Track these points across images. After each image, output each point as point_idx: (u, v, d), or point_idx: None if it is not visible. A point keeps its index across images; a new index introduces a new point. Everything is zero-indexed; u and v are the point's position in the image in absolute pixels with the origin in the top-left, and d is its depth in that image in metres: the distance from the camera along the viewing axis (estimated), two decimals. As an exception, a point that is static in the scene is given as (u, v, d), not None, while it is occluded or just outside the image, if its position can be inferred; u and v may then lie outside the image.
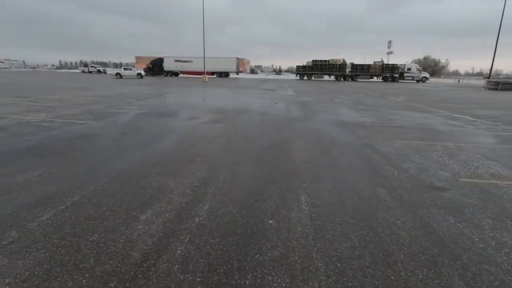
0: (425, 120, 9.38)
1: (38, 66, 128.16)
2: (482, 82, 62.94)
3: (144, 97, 13.65)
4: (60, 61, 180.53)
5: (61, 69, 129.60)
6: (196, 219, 2.62)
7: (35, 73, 52.48)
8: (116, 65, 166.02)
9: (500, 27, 31.34)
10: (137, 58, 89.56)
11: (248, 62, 71.54)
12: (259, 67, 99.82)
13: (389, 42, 62.78)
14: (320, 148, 5.34)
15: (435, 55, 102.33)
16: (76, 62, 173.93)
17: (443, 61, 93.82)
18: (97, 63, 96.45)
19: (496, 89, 27.58)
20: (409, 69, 47.89)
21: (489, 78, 35.22)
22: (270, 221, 2.63)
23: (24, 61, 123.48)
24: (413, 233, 2.49)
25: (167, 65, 52.25)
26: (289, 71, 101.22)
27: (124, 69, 43.18)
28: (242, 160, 4.44)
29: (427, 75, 49.65)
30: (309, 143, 5.68)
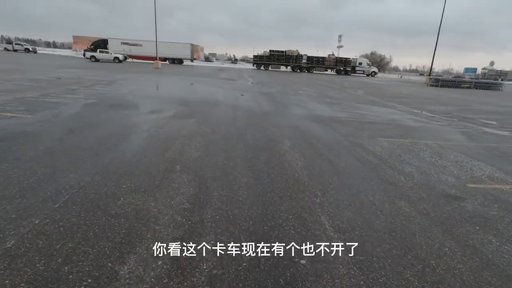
0: (392, 115, 9.56)
1: None
2: (422, 78, 69.93)
3: (91, 83, 11.77)
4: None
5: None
6: (205, 270, 1.87)
7: None
8: (48, 44, 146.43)
9: (439, 29, 34.42)
10: (75, 37, 79.99)
11: (202, 49, 68.40)
12: (214, 55, 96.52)
13: (339, 36, 65.36)
14: (311, 149, 4.83)
15: (380, 52, 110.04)
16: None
17: (387, 57, 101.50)
18: (24, 40, 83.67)
19: (437, 86, 30.37)
20: (360, 63, 50.56)
21: (429, 75, 38.75)
22: (302, 261, 2.00)
23: None
24: (471, 265, 2.09)
25: (112, 48, 47.23)
26: (244, 60, 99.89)
27: (100, 51, 38.62)
28: (232, 167, 3.70)
29: (376, 69, 53.02)
30: (296, 143, 5.14)
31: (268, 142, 5.10)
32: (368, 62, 52.86)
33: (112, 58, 38.88)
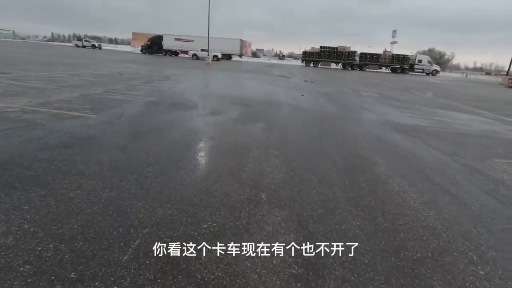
0: (484, 125, 7.93)
1: (29, 37, 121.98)
2: (492, 78, 61.56)
3: (148, 79, 11.77)
4: (52, 33, 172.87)
5: (53, 41, 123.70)
6: None
7: (24, 45, 49.06)
8: (111, 41, 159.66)
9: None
10: (134, 34, 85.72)
11: (250, 45, 68.42)
12: (261, 50, 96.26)
13: (394, 31, 60.29)
14: (417, 174, 3.77)
15: (437, 48, 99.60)
16: (69, 35, 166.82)
17: (448, 54, 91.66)
18: (91, 37, 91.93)
19: (518, 88, 26.09)
20: (420, 61, 46.02)
21: (507, 74, 33.65)
22: None
23: (14, 31, 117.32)
24: None
25: (167, 44, 49.26)
26: (291, 56, 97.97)
27: (202, 50, 41.78)
28: (332, 201, 2.84)
29: (438, 68, 47.90)
30: (392, 163, 4.10)
31: (357, 160, 4.13)
32: (429, 60, 47.86)
33: (212, 57, 40.57)
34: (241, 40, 48.79)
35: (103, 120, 4.93)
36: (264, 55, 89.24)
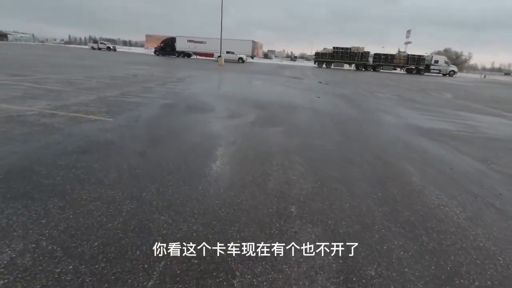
0: (510, 128, 7.52)
1: (47, 40, 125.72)
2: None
3: (163, 81, 11.74)
4: (69, 35, 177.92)
5: (70, 44, 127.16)
6: None
7: (43, 47, 50.46)
8: (125, 43, 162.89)
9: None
10: (147, 36, 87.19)
11: (261, 46, 68.31)
12: (272, 52, 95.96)
13: (408, 31, 58.88)
14: (453, 184, 3.48)
15: (453, 48, 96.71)
16: (85, 38, 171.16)
17: (465, 54, 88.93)
18: (106, 39, 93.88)
19: (543, 89, 24.90)
20: (436, 61, 44.79)
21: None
22: None
23: (33, 35, 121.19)
24: None
25: (180, 45, 49.71)
26: (303, 57, 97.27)
27: (227, 52, 42.76)
28: (368, 215, 2.60)
29: (455, 68, 46.49)
30: (425, 172, 3.82)
31: (386, 167, 3.87)
32: (446, 60, 46.49)
33: (237, 59, 41.85)
34: (253, 41, 48.74)
35: (121, 124, 4.83)
36: (276, 56, 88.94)
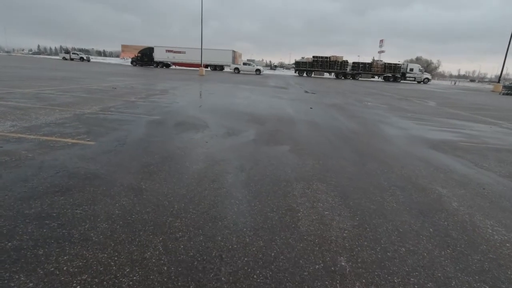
0: (509, 136, 7.50)
1: (14, 50, 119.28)
2: (483, 86, 62.62)
3: (146, 94, 10.93)
4: (38, 46, 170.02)
5: (39, 54, 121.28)
6: None
7: (9, 58, 47.43)
8: (99, 53, 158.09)
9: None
10: (124, 46, 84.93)
11: (240, 55, 68.33)
12: (252, 61, 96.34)
13: (381, 41, 61.36)
14: (506, 214, 3.06)
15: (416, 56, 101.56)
16: (55, 48, 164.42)
17: (434, 62, 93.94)
18: (79, 50, 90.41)
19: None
20: (411, 69, 46.65)
21: (498, 82, 34.18)
22: None
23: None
24: None
25: (158, 55, 48.56)
26: (282, 66, 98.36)
27: (244, 64, 41.45)
28: (445, 272, 2.08)
29: (429, 76, 48.68)
30: (462, 196, 3.40)
31: (418, 192, 3.41)
32: (421, 68, 48.64)
33: (254, 70, 42.37)
34: (233, 51, 48.51)
35: (104, 149, 4.08)
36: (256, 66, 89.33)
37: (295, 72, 50.14)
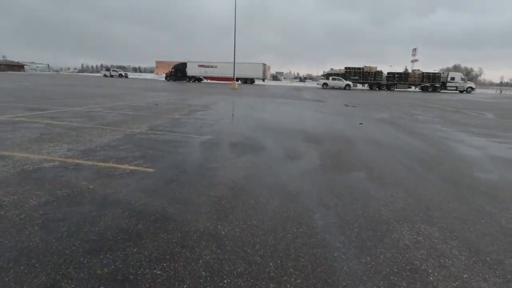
0: None
1: (61, 69, 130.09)
2: None
3: (188, 110, 10.79)
4: (82, 64, 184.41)
5: (83, 72, 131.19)
6: None
7: (58, 77, 51.40)
8: (135, 69, 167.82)
9: None
10: (158, 62, 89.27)
11: (269, 68, 68.77)
12: (281, 73, 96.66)
13: (414, 49, 58.35)
14: None
15: (448, 65, 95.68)
16: (97, 66, 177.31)
17: (475, 70, 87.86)
18: (117, 67, 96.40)
19: None
20: (452, 78, 43.69)
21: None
22: None
23: (48, 64, 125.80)
24: None
25: (190, 70, 50.06)
26: (311, 78, 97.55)
27: (333, 79, 42.41)
28: None
29: (473, 85, 45.27)
30: None
31: None
32: (463, 77, 45.40)
33: (344, 86, 41.41)
34: (263, 64, 48.74)
35: (166, 177, 3.69)
36: (285, 78, 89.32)
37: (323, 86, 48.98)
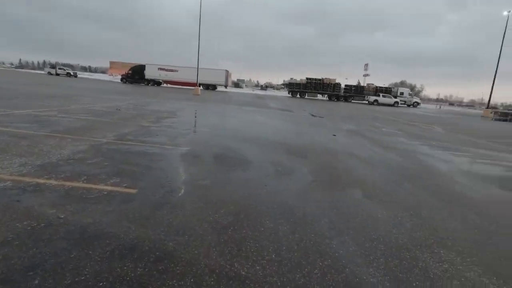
0: None
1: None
2: (469, 110, 64.85)
3: (155, 117, 9.99)
4: (20, 59, 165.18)
5: (22, 68, 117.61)
6: None
7: (-9, 72, 45.16)
8: (85, 69, 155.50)
9: (499, 55, 31.57)
10: (112, 63, 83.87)
11: (230, 75, 68.70)
12: (242, 81, 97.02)
13: (366, 65, 63.07)
14: None
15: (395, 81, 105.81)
16: (39, 62, 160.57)
17: (418, 86, 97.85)
18: (63, 64, 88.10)
19: (505, 120, 27.00)
20: (401, 93, 47.90)
21: (487, 107, 35.34)
22: None
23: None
24: None
25: (149, 73, 47.72)
26: (272, 86, 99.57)
27: (383, 96, 42.67)
28: None
29: (418, 100, 50.13)
30: None
31: None
32: (410, 92, 50.12)
33: (393, 103, 41.97)
34: (226, 70, 48.43)
35: (153, 200, 3.15)
36: (246, 86, 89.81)
37: (288, 93, 50.32)
